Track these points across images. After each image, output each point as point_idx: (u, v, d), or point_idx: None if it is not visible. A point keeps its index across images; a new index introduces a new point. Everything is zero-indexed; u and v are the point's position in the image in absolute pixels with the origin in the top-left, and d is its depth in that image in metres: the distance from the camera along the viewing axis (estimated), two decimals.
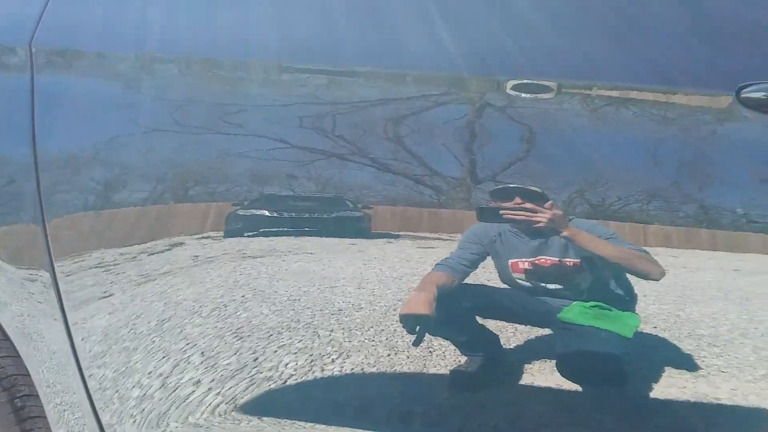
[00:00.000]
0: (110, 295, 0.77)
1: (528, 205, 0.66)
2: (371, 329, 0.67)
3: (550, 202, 0.66)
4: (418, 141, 0.70)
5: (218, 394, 0.72)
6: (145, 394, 0.76)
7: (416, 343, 0.66)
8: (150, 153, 0.75)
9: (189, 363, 0.73)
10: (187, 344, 0.74)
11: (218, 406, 0.72)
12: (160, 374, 0.75)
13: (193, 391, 0.72)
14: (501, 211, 0.67)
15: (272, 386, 0.69)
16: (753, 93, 0.63)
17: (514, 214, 0.66)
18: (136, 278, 0.77)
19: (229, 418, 0.72)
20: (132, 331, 0.77)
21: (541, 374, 0.65)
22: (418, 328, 0.67)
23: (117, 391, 0.77)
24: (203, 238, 0.77)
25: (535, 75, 0.68)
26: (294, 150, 0.71)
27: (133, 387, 0.77)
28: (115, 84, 0.78)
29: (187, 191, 0.76)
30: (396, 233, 0.70)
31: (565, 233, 0.66)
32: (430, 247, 0.69)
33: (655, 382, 0.65)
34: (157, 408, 0.75)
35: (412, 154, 0.70)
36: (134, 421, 0.77)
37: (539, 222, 0.65)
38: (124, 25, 0.77)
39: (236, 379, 0.71)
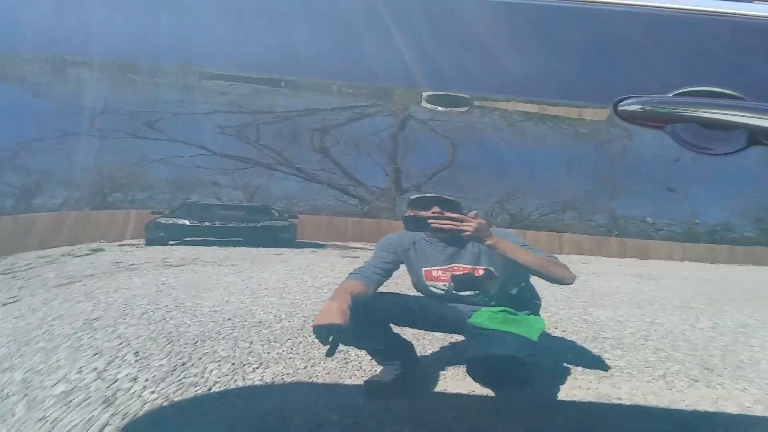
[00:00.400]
0: (17, 300, 0.74)
1: (455, 215, 0.67)
2: (289, 341, 0.67)
3: (474, 212, 0.68)
4: (344, 151, 0.71)
5: (153, 392, 0.71)
6: (74, 388, 0.74)
7: (329, 354, 0.67)
8: (65, 158, 0.72)
9: (124, 360, 0.71)
10: (121, 342, 0.72)
11: (155, 401, 0.71)
12: (94, 369, 0.73)
13: (131, 387, 0.71)
14: (429, 221, 0.68)
15: (198, 391, 0.69)
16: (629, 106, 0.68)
17: (442, 224, 0.68)
18: (55, 281, 0.74)
19: (164, 416, 0.72)
20: (47, 332, 0.75)
21: (454, 380, 0.68)
22: (331, 338, 0.67)
23: (26, 396, 0.75)
24: (124, 245, 0.74)
25: (454, 88, 0.70)
26: (217, 158, 0.70)
27: (57, 383, 0.75)
28: (26, 87, 0.74)
29: (105, 197, 0.74)
30: (322, 242, 0.71)
31: (489, 242, 0.69)
32: (355, 257, 0.70)
33: (562, 383, 0.70)
34: (91, 397, 0.73)
35: (337, 164, 0.70)
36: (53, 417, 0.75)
37: (466, 231, 0.67)
38: (33, 27, 0.73)
39: (167, 382, 0.70)
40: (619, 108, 0.69)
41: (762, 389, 0.72)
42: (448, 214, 0.68)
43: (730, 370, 0.72)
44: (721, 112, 0.68)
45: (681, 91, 0.70)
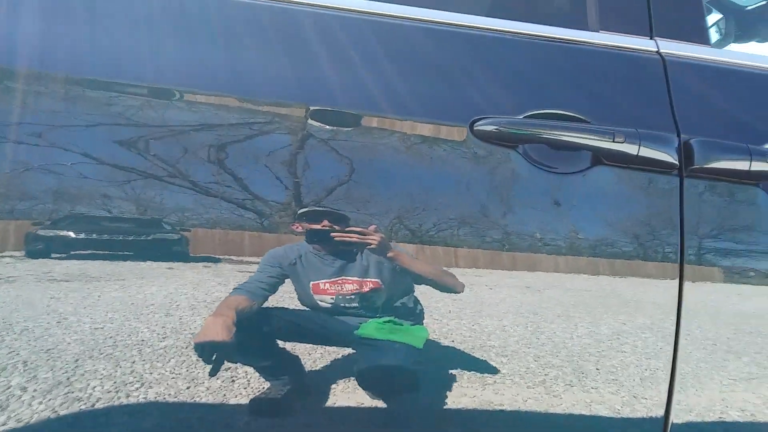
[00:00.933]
0: None
1: (360, 229, 0.69)
2: (173, 360, 0.66)
3: (374, 225, 0.71)
4: (239, 164, 0.71)
5: (41, 403, 0.67)
6: None
7: (212, 373, 0.66)
8: None
9: (16, 368, 0.67)
10: (11, 351, 0.68)
11: (42, 413, 0.67)
12: None
13: (21, 395, 0.67)
14: (332, 234, 0.70)
15: (82, 407, 0.66)
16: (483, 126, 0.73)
17: (347, 236, 0.69)
18: None
19: (51, 428, 0.68)
20: None
21: (344, 393, 0.69)
22: (214, 356, 0.66)
23: None
24: (3, 256, 0.70)
25: (347, 106, 0.72)
26: (107, 168, 0.68)
27: None
28: None
29: None
30: (216, 257, 0.70)
31: (390, 254, 0.71)
32: (249, 272, 0.70)
33: (449, 391, 0.73)
34: None
35: (233, 176, 0.70)
36: None
37: (371, 243, 0.70)
38: None
39: (53, 394, 0.67)
40: (475, 128, 0.73)
41: (629, 391, 0.78)
42: (352, 228, 0.70)
43: (603, 374, 0.78)
44: (567, 134, 0.75)
45: (532, 113, 0.76)
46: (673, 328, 0.77)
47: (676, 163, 0.77)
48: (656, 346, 0.78)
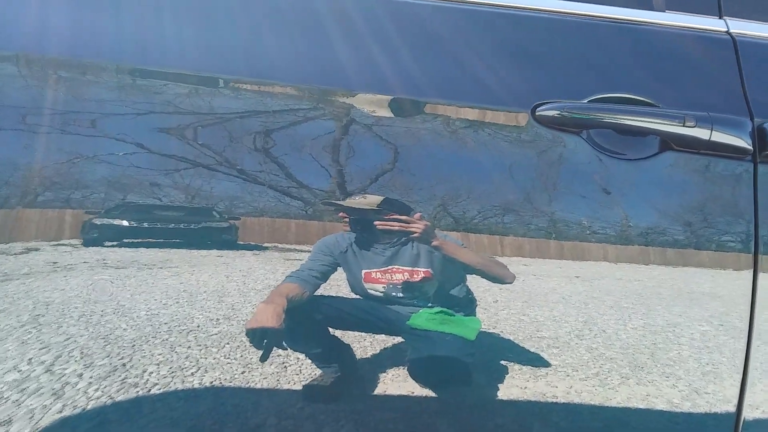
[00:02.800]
0: None
1: (402, 217, 0.68)
2: (227, 345, 0.66)
3: (418, 213, 0.69)
4: (285, 152, 0.70)
5: (98, 389, 0.69)
6: (27, 377, 0.72)
7: (263, 359, 0.66)
8: None
9: (71, 356, 0.70)
10: (68, 339, 0.70)
11: (99, 398, 0.69)
12: (42, 362, 0.71)
13: (77, 382, 0.69)
14: (375, 222, 0.69)
15: (139, 392, 0.68)
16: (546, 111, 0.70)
17: (389, 225, 0.68)
18: None
19: (107, 413, 0.70)
20: None
21: (394, 381, 0.68)
22: (265, 342, 0.66)
23: None
24: (60, 245, 0.72)
25: (398, 92, 0.71)
26: (157, 158, 0.69)
27: (8, 372, 0.73)
28: None
29: (37, 197, 0.71)
30: (263, 245, 0.70)
31: (435, 243, 0.70)
32: (297, 259, 0.70)
33: (500, 383, 0.71)
34: (44, 388, 0.72)
35: (279, 165, 0.70)
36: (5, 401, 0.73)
37: (414, 232, 0.68)
38: None
39: (109, 380, 0.69)
40: (537, 113, 0.71)
41: (690, 386, 0.75)
42: (395, 215, 0.68)
43: (660, 367, 0.75)
44: (635, 118, 0.72)
45: (596, 97, 0.73)
46: (745, 322, 0.73)
47: (750, 148, 0.73)
48: (717, 340, 0.75)
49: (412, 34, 0.75)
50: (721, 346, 0.75)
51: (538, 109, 0.71)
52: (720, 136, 0.72)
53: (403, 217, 0.69)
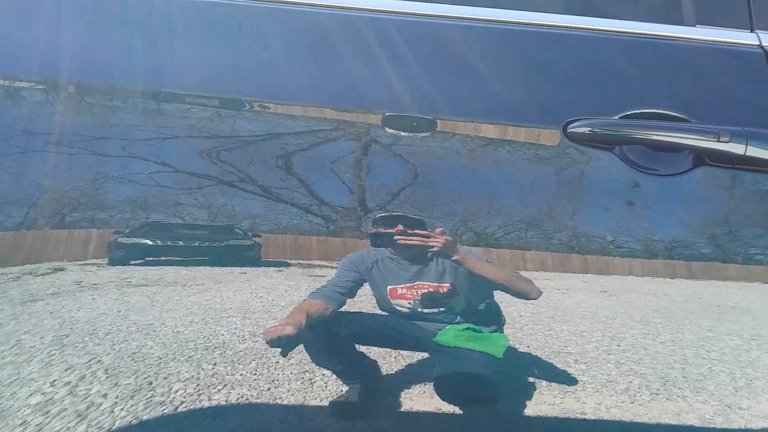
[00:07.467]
0: None
1: (422, 232, 0.68)
2: (253, 362, 0.66)
3: (440, 228, 0.69)
4: (307, 169, 0.71)
5: (123, 409, 0.69)
6: (49, 400, 0.72)
7: (284, 353, 0.66)
8: (19, 177, 0.70)
9: (95, 377, 0.70)
10: (92, 359, 0.70)
11: (125, 418, 0.69)
12: (67, 383, 0.71)
13: (102, 402, 0.69)
14: (396, 237, 0.68)
15: (165, 411, 0.68)
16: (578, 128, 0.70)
17: (409, 240, 0.68)
18: (19, 297, 0.73)
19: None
20: (17, 345, 0.73)
21: (420, 398, 0.67)
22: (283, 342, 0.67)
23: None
24: (85, 264, 0.73)
25: (413, 111, 0.72)
26: (179, 176, 0.70)
27: (31, 395, 0.73)
28: None
29: (64, 217, 0.72)
30: (286, 261, 0.70)
31: (456, 257, 0.69)
32: (319, 276, 0.70)
33: (528, 399, 0.70)
34: (67, 410, 0.72)
35: (302, 182, 0.70)
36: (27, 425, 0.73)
37: (434, 247, 0.68)
38: None
39: (135, 399, 0.69)
40: (569, 130, 0.71)
41: (722, 401, 0.73)
42: (415, 231, 0.68)
43: (691, 382, 0.73)
44: (668, 134, 0.71)
45: (628, 113, 0.73)
46: None
47: None
48: (750, 354, 0.73)
49: (445, 53, 0.75)
50: (755, 360, 0.73)
51: (569, 126, 0.71)
52: (755, 151, 0.71)
53: (423, 232, 0.68)
